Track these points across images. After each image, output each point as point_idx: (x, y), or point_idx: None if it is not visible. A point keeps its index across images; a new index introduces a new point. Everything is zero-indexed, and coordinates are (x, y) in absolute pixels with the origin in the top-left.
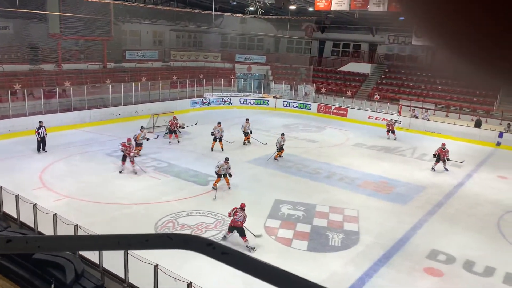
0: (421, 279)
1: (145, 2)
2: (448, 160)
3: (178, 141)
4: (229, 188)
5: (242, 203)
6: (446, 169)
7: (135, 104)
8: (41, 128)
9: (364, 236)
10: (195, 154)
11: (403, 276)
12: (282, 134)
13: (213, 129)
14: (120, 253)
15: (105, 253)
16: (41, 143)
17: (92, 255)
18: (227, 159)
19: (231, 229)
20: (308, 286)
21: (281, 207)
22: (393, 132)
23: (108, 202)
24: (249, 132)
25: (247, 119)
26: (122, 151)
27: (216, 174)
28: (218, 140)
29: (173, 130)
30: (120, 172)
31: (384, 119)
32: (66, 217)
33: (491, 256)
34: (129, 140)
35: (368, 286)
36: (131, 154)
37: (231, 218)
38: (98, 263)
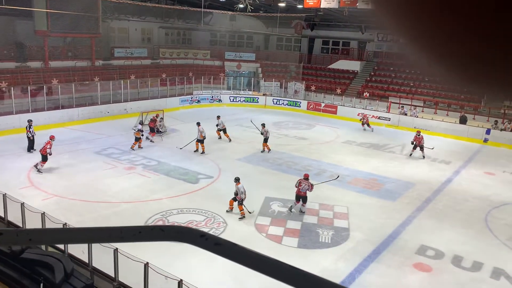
0: (410, 274)
1: None
2: (423, 146)
3: (151, 141)
4: (251, 212)
5: (305, 174)
6: (423, 157)
7: (124, 102)
8: (31, 127)
9: (354, 232)
10: (184, 152)
11: (392, 271)
12: (263, 125)
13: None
14: (110, 251)
15: (94, 251)
16: (32, 142)
17: (81, 254)
18: (237, 180)
19: (297, 197)
20: (300, 275)
21: (271, 204)
22: (368, 125)
23: (97, 200)
24: (221, 129)
25: (218, 116)
26: (46, 152)
27: (235, 195)
28: (200, 142)
29: (152, 128)
30: (39, 171)
31: (359, 113)
32: (54, 216)
33: (479, 251)
34: (52, 137)
35: (358, 282)
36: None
37: (296, 188)
38: (87, 262)
